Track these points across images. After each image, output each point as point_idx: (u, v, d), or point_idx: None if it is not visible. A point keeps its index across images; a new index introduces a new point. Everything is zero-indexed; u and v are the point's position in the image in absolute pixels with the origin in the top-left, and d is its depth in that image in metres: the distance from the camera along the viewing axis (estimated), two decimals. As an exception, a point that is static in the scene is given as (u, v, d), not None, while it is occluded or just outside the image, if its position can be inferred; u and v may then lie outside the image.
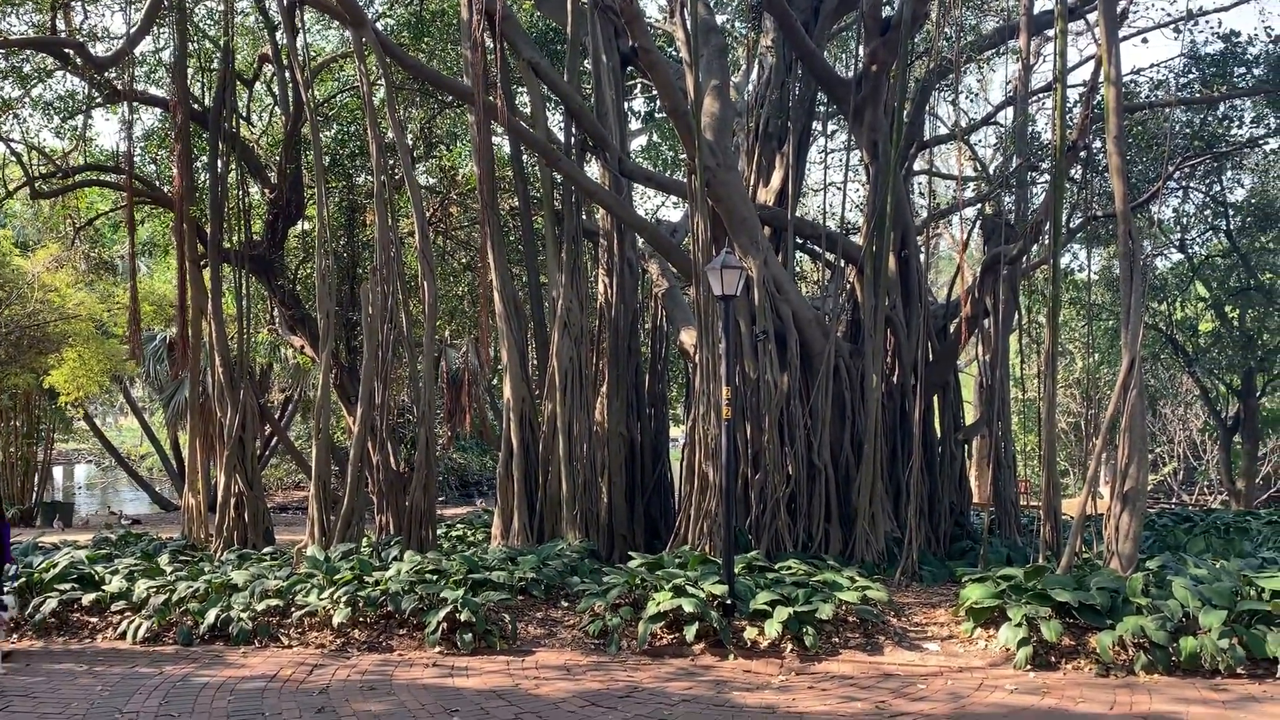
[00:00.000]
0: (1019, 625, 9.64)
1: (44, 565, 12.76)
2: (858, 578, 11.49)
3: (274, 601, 11.17)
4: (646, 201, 30.14)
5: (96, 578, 12.50)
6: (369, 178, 19.99)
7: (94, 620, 11.58)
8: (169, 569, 13.23)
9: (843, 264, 16.84)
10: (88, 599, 11.79)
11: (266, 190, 21.33)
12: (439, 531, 16.41)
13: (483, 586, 11.25)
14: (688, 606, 10.11)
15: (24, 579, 12.30)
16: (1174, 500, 30.45)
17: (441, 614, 10.42)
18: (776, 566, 12.03)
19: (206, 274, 18.60)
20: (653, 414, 17.61)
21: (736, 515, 13.55)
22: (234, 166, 19.19)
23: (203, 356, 19.73)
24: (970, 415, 21.74)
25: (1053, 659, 9.43)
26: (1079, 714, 7.90)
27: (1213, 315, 27.53)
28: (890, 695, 8.59)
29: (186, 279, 18.32)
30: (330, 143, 20.98)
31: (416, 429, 16.31)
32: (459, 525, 19.08)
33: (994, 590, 10.42)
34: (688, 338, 16.61)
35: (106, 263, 26.26)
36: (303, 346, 22.44)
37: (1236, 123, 19.75)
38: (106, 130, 52.88)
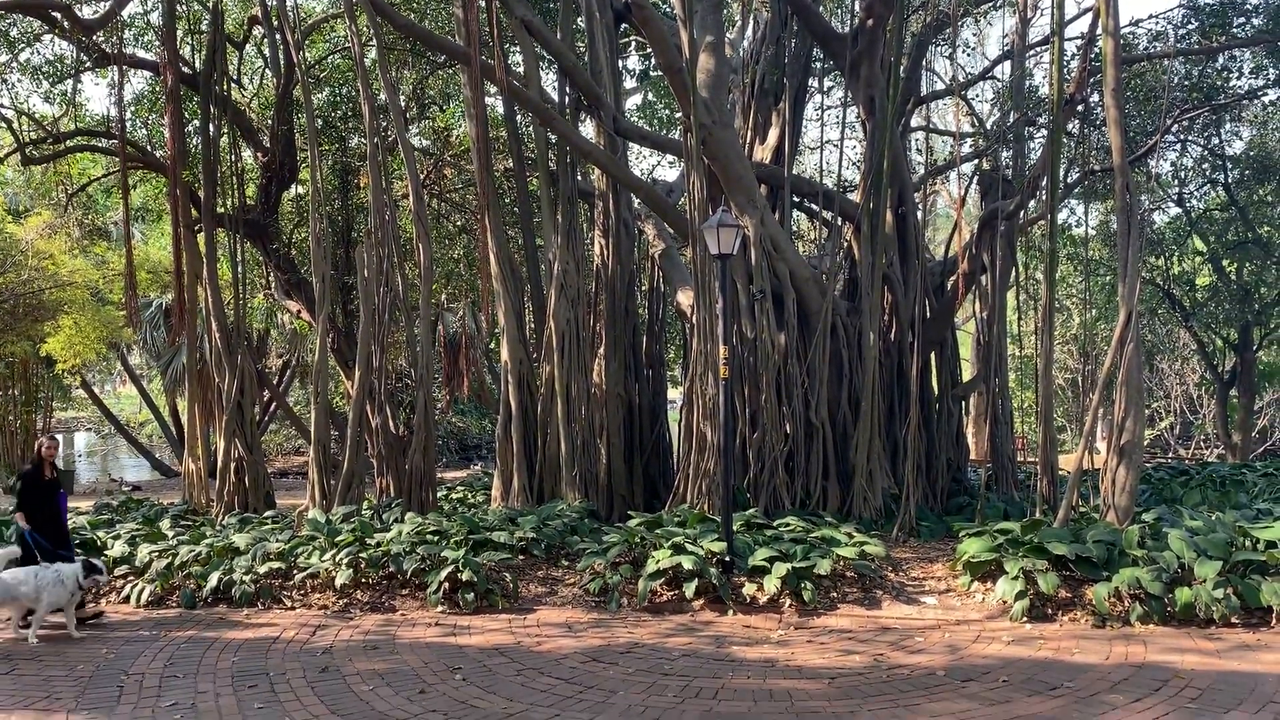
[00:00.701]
0: (1016, 578, 9.72)
1: (46, 531, 12.83)
2: (855, 534, 11.57)
3: (276, 564, 11.25)
4: (642, 161, 29.92)
5: (99, 543, 12.59)
6: (362, 140, 19.87)
7: (98, 585, 11.65)
8: (171, 534, 13.32)
9: (840, 222, 16.80)
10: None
11: (259, 154, 21.19)
12: (439, 494, 16.50)
13: (484, 547, 11.33)
14: (687, 564, 10.18)
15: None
16: (1170, 454, 30.61)
17: (443, 574, 10.49)
18: (775, 524, 12.11)
19: (201, 239, 18.52)
20: (650, 375, 17.65)
21: (735, 474, 13.63)
22: (226, 130, 19.04)
23: (199, 322, 19.71)
24: (967, 372, 21.79)
25: (1049, 611, 9.52)
26: (1075, 664, 7.99)
27: (1210, 269, 27.50)
28: (888, 648, 8.69)
29: (181, 244, 18.24)
30: (322, 105, 20.83)
31: (415, 392, 16.33)
32: (459, 488, 19.17)
33: (991, 544, 10.50)
34: (684, 298, 16.60)
35: (100, 229, 26.14)
36: (299, 311, 22.40)
37: (1236, 74, 19.61)
38: (96, 95, 52.39)
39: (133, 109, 22.18)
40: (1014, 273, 17.04)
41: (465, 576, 10.38)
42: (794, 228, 21.40)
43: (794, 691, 7.44)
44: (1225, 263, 26.53)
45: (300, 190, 22.46)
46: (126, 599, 11.19)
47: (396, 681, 7.93)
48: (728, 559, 10.57)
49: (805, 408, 14.65)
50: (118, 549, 12.23)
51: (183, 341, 21.39)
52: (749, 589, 10.25)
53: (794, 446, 14.58)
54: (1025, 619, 9.39)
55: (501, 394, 16.34)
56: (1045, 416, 13.14)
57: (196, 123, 18.80)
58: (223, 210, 19.00)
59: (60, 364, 25.16)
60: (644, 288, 19.27)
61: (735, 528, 11.24)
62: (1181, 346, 31.01)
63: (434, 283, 20.19)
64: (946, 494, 15.73)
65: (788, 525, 11.89)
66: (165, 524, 14.55)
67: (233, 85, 20.86)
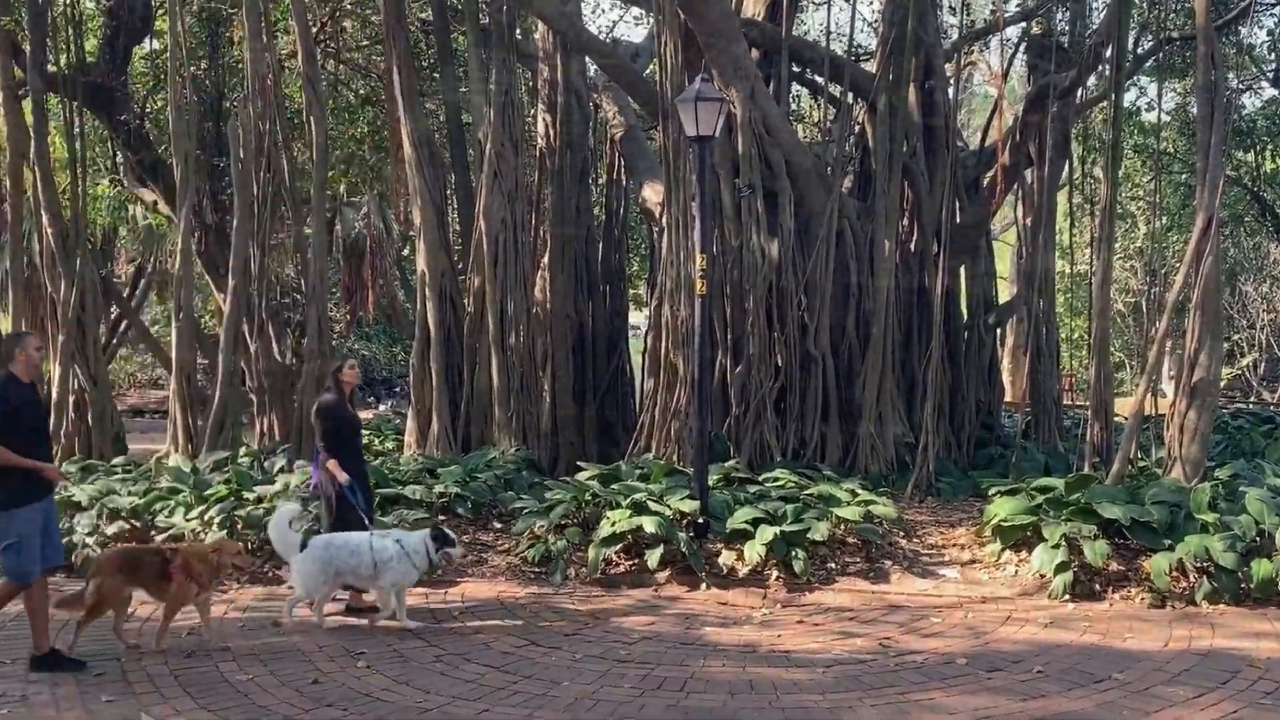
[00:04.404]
0: (1056, 547, 9.89)
1: None
2: (860, 491, 11.72)
3: (128, 524, 11.22)
4: (599, 17, 29.70)
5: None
6: (237, -19, 19.41)
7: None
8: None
9: (850, 99, 16.71)
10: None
11: (102, -3, 20.69)
12: (337, 438, 16.49)
13: (394, 504, 11.37)
14: (650, 527, 10.27)
15: None
16: (1253, 398, 31.13)
17: (342, 537, 10.52)
18: (760, 478, 12.27)
19: (27, 106, 18.11)
20: (607, 291, 17.64)
21: (712, 416, 13.70)
22: (57, -36, 18.52)
23: (26, 215, 19.33)
24: (1004, 292, 21.98)
25: (1097, 587, 9.74)
26: (1126, 652, 8.19)
27: (1312, 168, 27.72)
28: (897, 630, 8.86)
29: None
30: (184, -66, 20.28)
31: (305, 309, 16.21)
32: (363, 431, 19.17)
33: (1027, 505, 10.68)
34: (652, 194, 16.51)
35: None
36: (156, 202, 22.08)
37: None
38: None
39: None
40: (1067, 168, 17.11)
41: (370, 540, 10.42)
42: (793, 105, 21.30)
43: (779, 682, 7.58)
44: (1330, 160, 26.77)
45: (157, 45, 21.95)
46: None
47: (282, 669, 7.97)
48: (701, 521, 10.67)
49: (802, 334, 14.71)
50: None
51: (5, 239, 21.01)
52: (727, 558, 10.38)
53: (786, 383, 14.67)
54: (1067, 596, 9.60)
55: (418, 313, 16.26)
56: (1100, 348, 13.31)
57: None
58: (55, 69, 18.55)
59: None
60: (601, 180, 19.15)
61: (711, 483, 11.34)
62: (1271, 264, 31.35)
63: (330, 168, 19.93)
64: (974, 443, 15.93)
65: (776, 480, 12.02)
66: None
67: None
